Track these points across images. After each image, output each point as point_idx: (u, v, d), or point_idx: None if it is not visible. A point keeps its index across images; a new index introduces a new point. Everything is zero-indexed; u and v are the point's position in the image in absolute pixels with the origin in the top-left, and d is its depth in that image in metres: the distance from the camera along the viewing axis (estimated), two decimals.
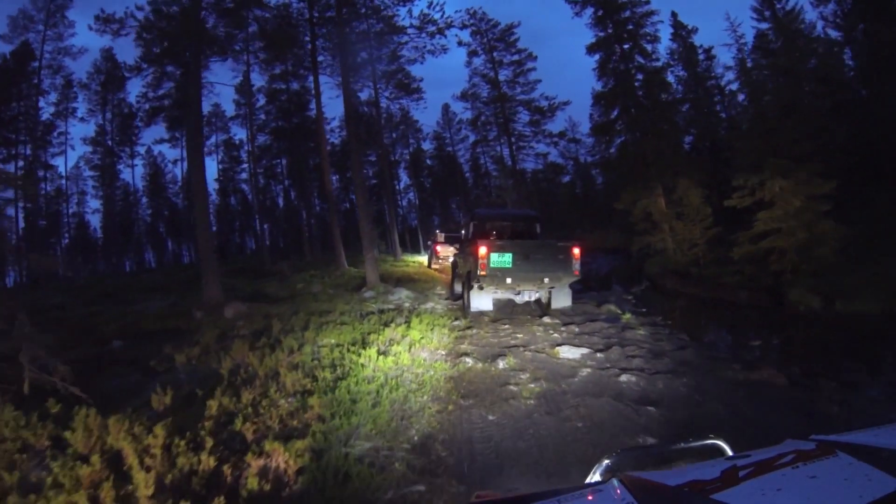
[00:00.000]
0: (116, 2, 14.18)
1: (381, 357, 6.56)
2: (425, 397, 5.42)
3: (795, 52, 20.58)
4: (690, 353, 7.50)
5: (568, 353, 7.17)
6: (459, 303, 11.82)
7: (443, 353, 7.28)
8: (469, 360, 6.76)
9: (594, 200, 46.36)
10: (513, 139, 29.09)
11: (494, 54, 29.30)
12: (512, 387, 5.79)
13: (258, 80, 34.90)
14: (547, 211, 29.49)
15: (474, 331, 8.87)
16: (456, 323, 9.55)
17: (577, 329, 9.08)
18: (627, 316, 10.54)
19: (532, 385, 5.85)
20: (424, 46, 16.66)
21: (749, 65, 25.28)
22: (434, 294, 13.94)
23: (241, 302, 12.07)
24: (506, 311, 10.87)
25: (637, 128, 18.69)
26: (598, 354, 7.14)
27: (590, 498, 0.97)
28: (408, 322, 9.04)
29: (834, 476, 0.89)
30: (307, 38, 23.19)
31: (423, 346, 7.44)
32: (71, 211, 47.87)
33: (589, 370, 6.44)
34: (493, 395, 5.53)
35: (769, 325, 10.78)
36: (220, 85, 37.39)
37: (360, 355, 6.58)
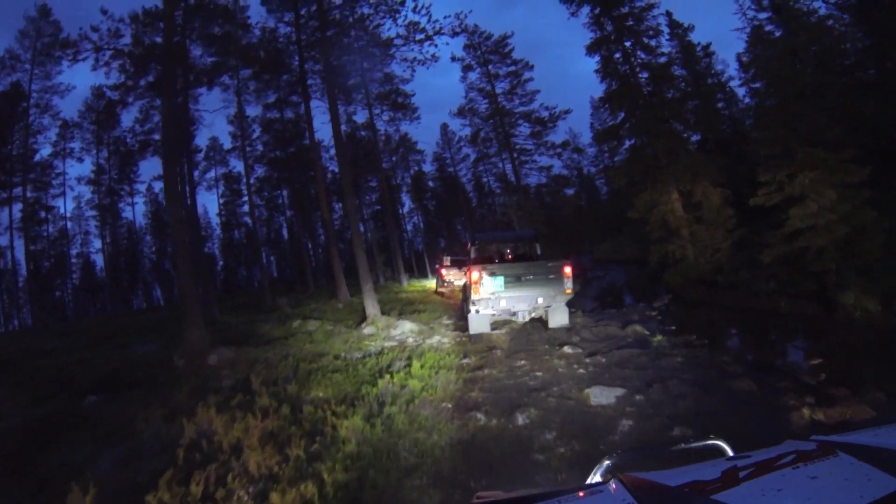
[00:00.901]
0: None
1: (370, 422, 5.22)
2: (424, 479, 4.10)
3: (800, 33, 19.22)
4: (745, 384, 6.16)
5: (601, 396, 5.83)
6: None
7: (449, 406, 5.92)
8: (481, 416, 5.42)
9: (599, 211, 45.43)
10: (514, 154, 27.56)
11: (490, 67, 28.10)
12: (537, 454, 4.47)
13: (253, 110, 34.35)
14: (553, 225, 27.96)
15: (486, 371, 7.51)
16: (465, 361, 8.20)
17: (604, 360, 7.77)
18: (658, 338, 9.22)
19: (562, 449, 4.53)
20: (414, 58, 15.50)
21: (753, 55, 23.69)
22: (440, 325, 12.64)
23: (227, 347, 10.82)
24: (521, 342, 9.57)
25: (646, 129, 17.22)
26: (638, 396, 5.79)
27: (590, 498, 0.94)
28: (409, 365, 7.72)
29: (834, 476, 0.86)
30: (296, 63, 22.42)
31: (424, 398, 6.08)
32: (75, 252, 47.42)
33: (630, 421, 5.09)
34: (514, 469, 4.22)
35: (822, 338, 9.38)
36: (209, 114, 36.34)
37: (343, 424, 5.22)
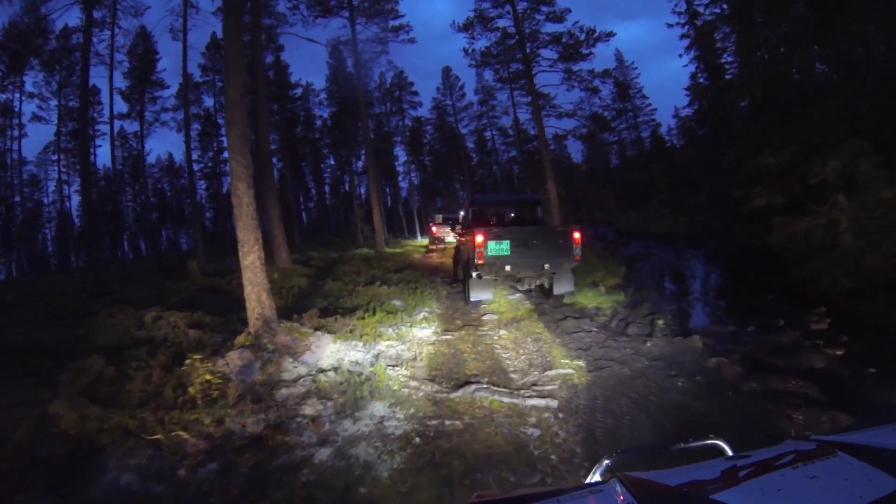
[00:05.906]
0: None
1: None
2: None
3: None
4: None
5: None
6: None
7: None
8: None
9: (612, 177, 39.41)
10: (535, 88, 19.33)
11: None
12: None
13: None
14: (565, 186, 20.70)
15: None
16: None
17: None
18: None
19: None
20: None
21: None
22: (406, 340, 5.90)
23: None
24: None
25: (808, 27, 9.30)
26: None
27: (590, 497, 0.88)
28: None
29: (834, 476, 0.79)
30: None
31: None
32: (48, 200, 41.58)
33: None
34: None
35: None
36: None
37: None
